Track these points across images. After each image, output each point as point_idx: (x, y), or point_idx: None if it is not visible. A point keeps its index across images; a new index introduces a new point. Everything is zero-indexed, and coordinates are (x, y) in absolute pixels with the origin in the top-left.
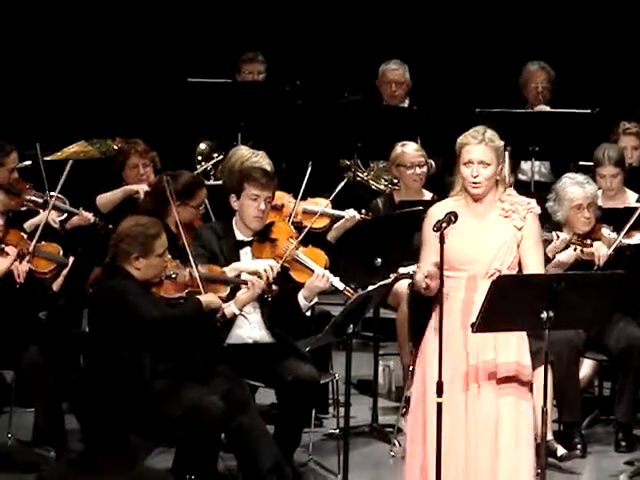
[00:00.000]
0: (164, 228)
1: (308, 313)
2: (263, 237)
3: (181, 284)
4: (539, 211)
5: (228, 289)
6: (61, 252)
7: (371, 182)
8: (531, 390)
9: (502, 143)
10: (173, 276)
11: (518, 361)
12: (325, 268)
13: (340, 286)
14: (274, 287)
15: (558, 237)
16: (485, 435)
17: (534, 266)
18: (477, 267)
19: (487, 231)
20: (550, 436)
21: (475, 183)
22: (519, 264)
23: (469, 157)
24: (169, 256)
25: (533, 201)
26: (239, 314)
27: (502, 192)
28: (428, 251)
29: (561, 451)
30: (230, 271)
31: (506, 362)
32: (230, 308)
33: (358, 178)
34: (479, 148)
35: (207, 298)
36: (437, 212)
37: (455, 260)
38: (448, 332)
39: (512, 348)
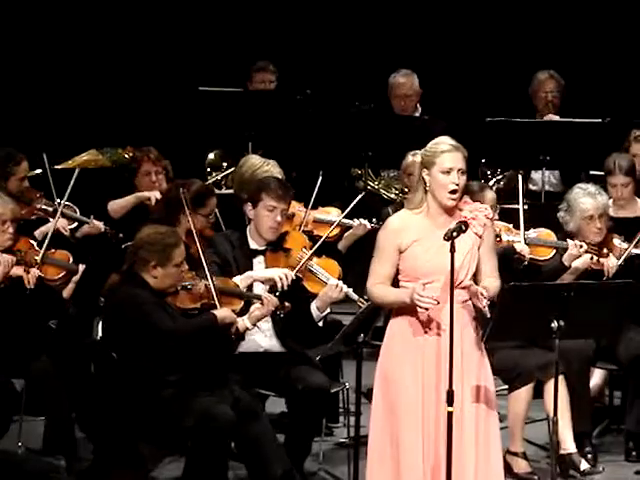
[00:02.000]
0: (199, 241)
1: (320, 323)
2: (277, 247)
3: (196, 295)
4: (492, 216)
5: (242, 303)
6: (71, 259)
7: (382, 191)
8: (494, 412)
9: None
10: (189, 287)
11: (486, 385)
12: (338, 279)
13: (354, 297)
14: (287, 304)
15: (577, 246)
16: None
17: (490, 273)
18: (443, 277)
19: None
20: (574, 449)
21: (454, 192)
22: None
23: (450, 165)
24: (186, 266)
25: (488, 207)
26: (252, 329)
27: (460, 202)
28: (383, 263)
29: (584, 465)
30: (244, 279)
31: (476, 385)
32: (244, 323)
33: (369, 187)
34: (458, 156)
35: (222, 313)
36: (394, 223)
37: (421, 272)
38: (420, 342)
39: (477, 369)
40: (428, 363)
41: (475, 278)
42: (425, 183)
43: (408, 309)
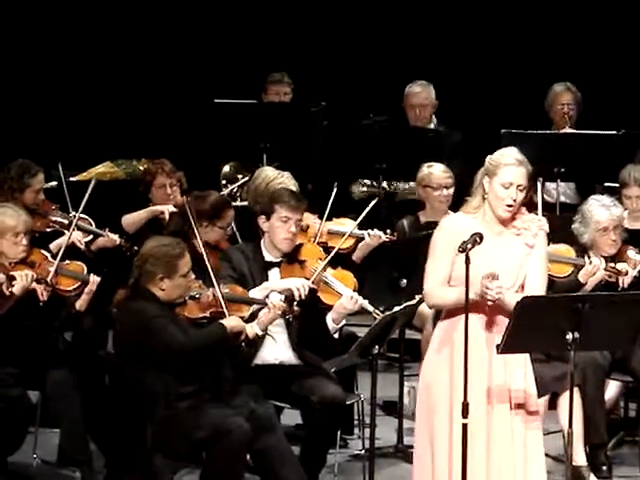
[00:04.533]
0: (191, 249)
1: (336, 335)
2: (291, 258)
3: (204, 304)
4: (548, 229)
5: (251, 309)
6: (85, 270)
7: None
8: (539, 419)
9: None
10: (197, 296)
11: (526, 389)
12: (354, 290)
13: (370, 308)
14: (295, 308)
15: (591, 262)
16: (504, 458)
17: (531, 287)
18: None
19: (502, 249)
20: (584, 461)
21: (510, 206)
22: None
23: (510, 179)
24: (193, 276)
25: (544, 219)
26: (261, 335)
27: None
28: (440, 263)
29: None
30: (261, 290)
31: (516, 389)
32: (253, 329)
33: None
34: (521, 171)
35: (231, 322)
36: (451, 224)
37: (471, 278)
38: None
39: (519, 376)
40: (473, 368)
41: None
42: (484, 190)
43: (456, 314)
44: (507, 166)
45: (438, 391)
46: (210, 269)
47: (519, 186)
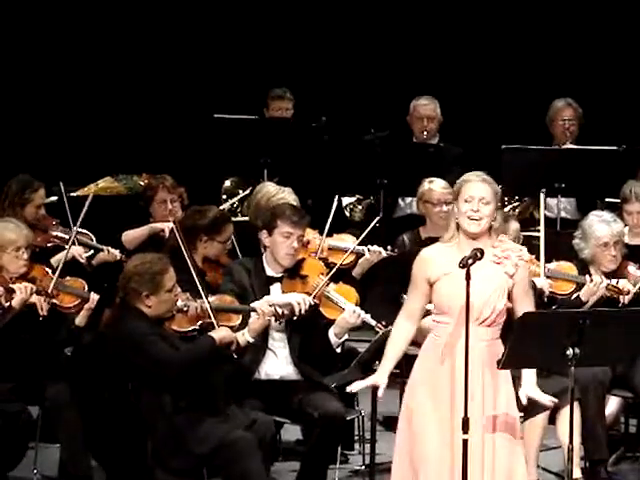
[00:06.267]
0: (193, 264)
1: (338, 350)
2: (293, 273)
3: (193, 316)
4: (528, 258)
5: (240, 317)
6: (86, 287)
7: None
8: (520, 442)
9: (499, 188)
10: (184, 309)
11: (507, 412)
12: (356, 305)
13: (372, 322)
14: (285, 312)
15: (592, 280)
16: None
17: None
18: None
19: (479, 277)
20: (579, 474)
21: (474, 220)
22: (509, 311)
23: (470, 193)
24: (179, 289)
25: (524, 249)
26: (252, 342)
27: (494, 239)
28: (415, 294)
29: None
30: (262, 305)
31: (494, 415)
32: (244, 337)
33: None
34: (481, 185)
35: (220, 334)
36: (425, 256)
37: (446, 305)
38: (436, 377)
39: (502, 399)
40: (443, 395)
41: (510, 318)
42: (455, 215)
43: (432, 343)
44: (469, 182)
45: (422, 414)
46: (197, 281)
47: (482, 199)
